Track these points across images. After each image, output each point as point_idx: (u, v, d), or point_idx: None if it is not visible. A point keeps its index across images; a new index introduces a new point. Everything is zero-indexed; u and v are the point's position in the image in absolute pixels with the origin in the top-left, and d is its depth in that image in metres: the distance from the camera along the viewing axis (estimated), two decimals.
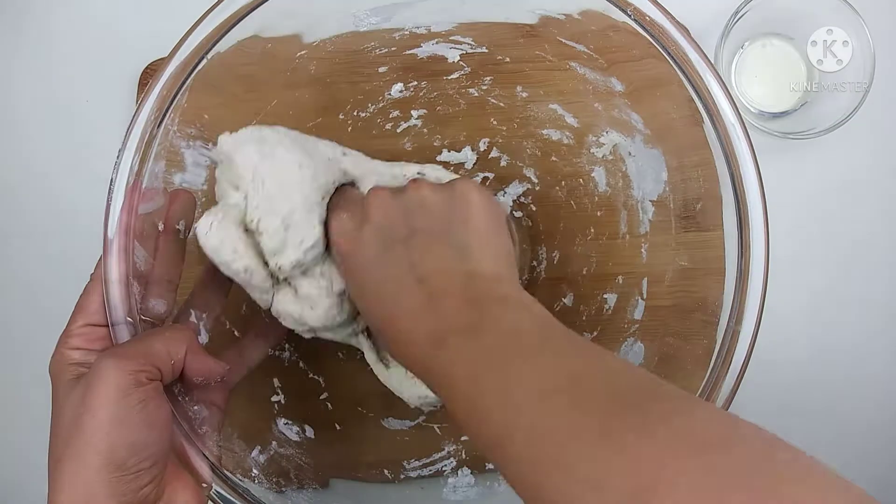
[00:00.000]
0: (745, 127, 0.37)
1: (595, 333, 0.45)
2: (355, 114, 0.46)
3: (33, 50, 0.53)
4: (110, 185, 0.37)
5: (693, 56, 0.38)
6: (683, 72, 0.38)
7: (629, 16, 0.38)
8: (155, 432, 0.32)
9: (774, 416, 0.49)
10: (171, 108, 0.37)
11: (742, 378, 0.37)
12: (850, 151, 0.51)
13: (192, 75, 0.37)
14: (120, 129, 0.50)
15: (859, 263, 0.52)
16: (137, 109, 0.38)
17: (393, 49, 0.44)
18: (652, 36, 0.38)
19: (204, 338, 0.41)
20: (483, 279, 0.33)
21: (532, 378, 0.27)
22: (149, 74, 0.50)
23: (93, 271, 0.37)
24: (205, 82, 0.38)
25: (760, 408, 0.43)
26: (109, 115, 0.51)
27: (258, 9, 0.37)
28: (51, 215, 0.52)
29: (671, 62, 0.38)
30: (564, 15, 0.42)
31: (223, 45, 0.38)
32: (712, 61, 0.38)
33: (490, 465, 0.46)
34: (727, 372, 0.37)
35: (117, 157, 0.37)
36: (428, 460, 0.46)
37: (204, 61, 0.38)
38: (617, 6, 0.39)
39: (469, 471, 0.46)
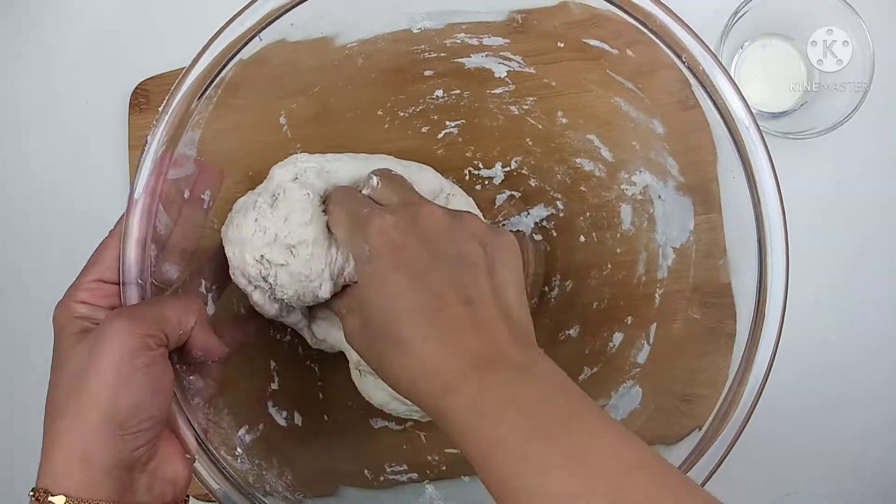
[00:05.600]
0: (765, 144, 0.37)
1: (595, 369, 0.45)
2: (394, 111, 0.46)
3: (32, 57, 0.52)
4: (143, 146, 0.37)
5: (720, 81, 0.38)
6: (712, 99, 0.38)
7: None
8: (158, 396, 0.32)
9: (774, 422, 0.49)
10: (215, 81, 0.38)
11: (748, 421, 0.37)
12: (850, 151, 0.51)
13: (238, 58, 0.38)
14: (114, 142, 0.50)
15: (860, 264, 0.51)
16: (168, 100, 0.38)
17: (442, 55, 0.44)
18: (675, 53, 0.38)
19: (211, 308, 0.41)
20: (522, 324, 0.34)
21: (606, 446, 0.27)
22: (139, 94, 0.49)
23: (112, 228, 0.37)
24: (249, 65, 0.39)
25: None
26: (104, 129, 0.50)
27: None
28: (49, 214, 0.51)
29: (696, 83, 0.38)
30: (616, 49, 0.42)
31: (272, 36, 0.38)
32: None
33: (467, 479, 0.46)
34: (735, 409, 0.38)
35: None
36: (409, 467, 0.45)
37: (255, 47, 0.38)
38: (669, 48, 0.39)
39: (447, 484, 0.46)
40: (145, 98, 0.48)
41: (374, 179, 0.38)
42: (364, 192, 0.38)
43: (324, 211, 0.38)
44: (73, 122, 0.51)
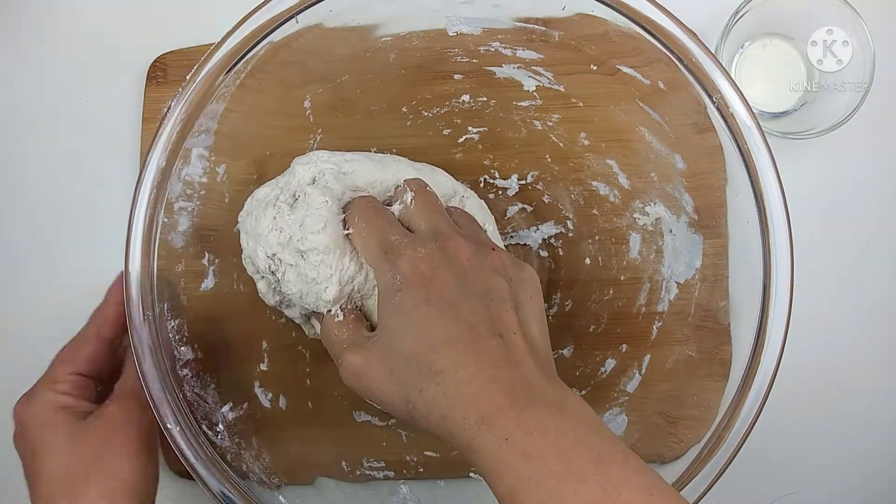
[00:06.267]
0: (769, 148, 0.38)
1: (584, 392, 0.45)
2: (418, 110, 0.46)
3: (35, 45, 0.51)
4: (163, 115, 0.37)
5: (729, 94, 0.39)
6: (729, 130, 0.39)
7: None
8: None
9: (774, 422, 0.49)
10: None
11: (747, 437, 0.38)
12: (850, 151, 0.51)
13: (269, 38, 0.38)
14: (125, 124, 0.49)
15: (861, 264, 0.51)
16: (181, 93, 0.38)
17: (474, 61, 0.44)
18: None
19: (211, 282, 0.42)
20: (547, 358, 0.34)
21: (639, 490, 0.28)
22: (157, 67, 0.48)
23: (88, 321, 0.41)
24: (279, 47, 0.39)
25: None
26: (114, 110, 0.50)
27: None
28: (50, 213, 0.50)
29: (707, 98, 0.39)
30: (647, 79, 0.42)
31: (308, 19, 0.38)
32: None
33: (442, 483, 0.46)
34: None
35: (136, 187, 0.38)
36: (387, 464, 0.46)
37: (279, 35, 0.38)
38: (697, 81, 0.39)
39: (423, 485, 0.46)
40: (163, 72, 0.48)
41: (409, 195, 0.38)
42: (395, 206, 0.38)
43: (344, 220, 0.38)
44: (83, 103, 0.50)
